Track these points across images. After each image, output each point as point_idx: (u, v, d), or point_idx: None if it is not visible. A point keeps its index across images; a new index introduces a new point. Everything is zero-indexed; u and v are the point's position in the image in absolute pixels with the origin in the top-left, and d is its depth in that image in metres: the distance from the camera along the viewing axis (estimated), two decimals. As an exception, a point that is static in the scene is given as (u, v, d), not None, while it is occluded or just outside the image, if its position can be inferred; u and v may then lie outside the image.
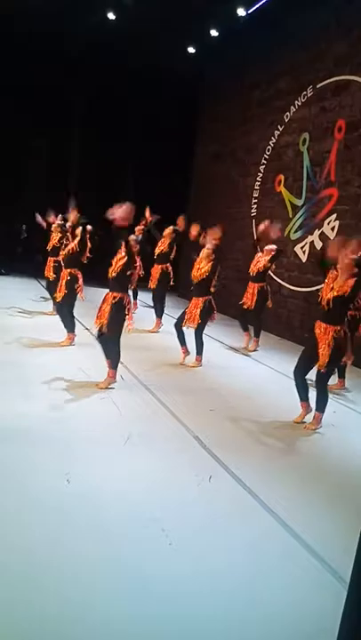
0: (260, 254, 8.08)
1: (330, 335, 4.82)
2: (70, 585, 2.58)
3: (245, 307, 7.99)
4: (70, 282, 6.97)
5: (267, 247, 8.07)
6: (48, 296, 9.37)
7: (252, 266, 8.04)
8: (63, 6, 10.95)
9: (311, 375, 5.08)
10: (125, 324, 5.52)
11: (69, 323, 7.07)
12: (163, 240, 8.86)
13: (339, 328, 4.85)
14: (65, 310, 7.08)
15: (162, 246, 8.82)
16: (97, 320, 5.58)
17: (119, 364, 5.65)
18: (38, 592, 2.50)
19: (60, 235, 8.73)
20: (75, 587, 2.57)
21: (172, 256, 8.85)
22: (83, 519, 3.10)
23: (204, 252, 6.89)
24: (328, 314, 4.85)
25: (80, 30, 11.64)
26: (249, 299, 7.96)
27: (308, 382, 5.17)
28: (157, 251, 8.80)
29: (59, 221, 8.92)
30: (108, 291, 5.62)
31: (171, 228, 8.84)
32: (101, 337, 5.64)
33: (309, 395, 5.15)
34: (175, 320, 7.06)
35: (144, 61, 12.23)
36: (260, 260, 7.99)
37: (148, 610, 2.48)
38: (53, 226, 9.03)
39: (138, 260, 5.71)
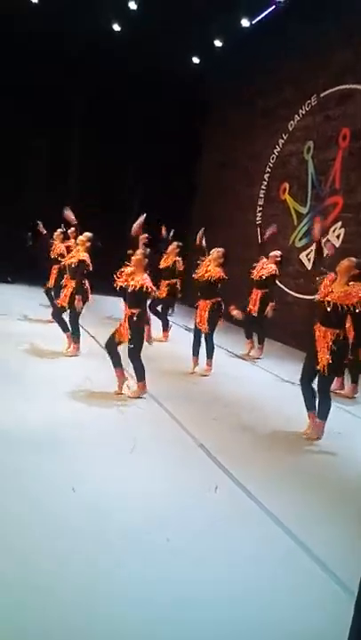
0: (264, 260, 8.15)
1: (329, 339, 4.78)
2: (73, 590, 2.60)
3: (249, 313, 8.06)
4: (77, 292, 7.01)
5: (271, 253, 8.16)
6: (48, 303, 9.45)
7: (255, 272, 8.10)
8: (63, 6, 10.89)
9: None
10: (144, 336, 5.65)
11: (76, 333, 7.12)
12: (167, 256, 8.94)
13: (338, 332, 4.81)
14: (72, 320, 7.13)
15: (167, 262, 8.90)
16: (117, 335, 5.67)
17: (125, 373, 5.74)
18: (40, 597, 2.53)
19: (61, 243, 8.88)
20: (77, 592, 2.59)
21: (177, 270, 8.97)
22: (87, 525, 3.14)
23: (213, 254, 6.95)
24: (327, 317, 4.80)
25: (80, 30, 11.59)
26: (253, 305, 8.04)
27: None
28: (163, 265, 8.88)
29: (60, 231, 9.04)
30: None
31: (175, 244, 8.92)
32: (110, 347, 5.71)
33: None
34: (194, 328, 7.11)
35: (145, 65, 12.21)
36: (265, 266, 8.06)
37: (151, 615, 2.49)
38: (55, 234, 9.10)
39: (146, 274, 5.75)
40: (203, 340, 7.04)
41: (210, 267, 6.90)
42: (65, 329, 7.18)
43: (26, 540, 2.93)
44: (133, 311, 5.57)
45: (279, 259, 8.08)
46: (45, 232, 9.53)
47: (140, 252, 5.83)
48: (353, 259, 4.90)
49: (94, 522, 3.19)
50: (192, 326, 7.38)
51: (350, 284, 4.82)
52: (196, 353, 7.02)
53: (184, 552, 3.02)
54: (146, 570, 2.81)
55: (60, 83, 12.60)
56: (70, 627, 2.39)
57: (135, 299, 5.62)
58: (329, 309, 4.75)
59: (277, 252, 8.14)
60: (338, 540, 3.36)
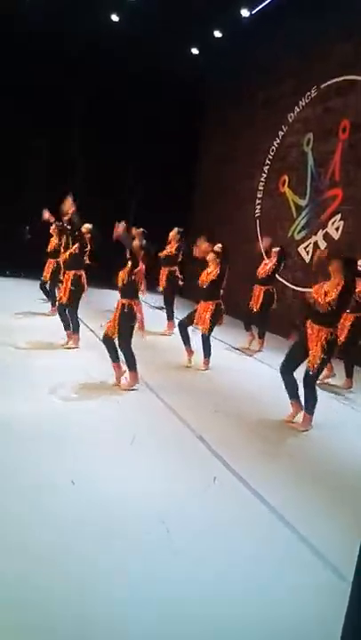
0: (266, 260, 8.14)
1: (322, 338, 4.81)
2: (73, 587, 2.59)
3: (251, 309, 8.01)
4: (74, 283, 6.96)
5: (273, 249, 8.15)
6: (44, 297, 9.38)
7: (259, 269, 8.07)
8: (63, 6, 10.93)
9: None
10: (135, 328, 5.65)
11: (75, 324, 7.06)
12: (170, 243, 8.85)
13: (331, 330, 4.87)
14: (70, 312, 7.06)
15: (169, 249, 8.80)
16: (109, 326, 5.67)
17: (123, 366, 5.72)
18: (40, 594, 2.51)
19: (59, 236, 8.79)
20: (77, 588, 2.58)
21: (179, 258, 8.85)
22: (87, 520, 3.12)
23: (210, 257, 6.89)
24: (321, 316, 4.83)
25: (80, 30, 11.61)
26: (255, 301, 7.97)
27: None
28: (164, 253, 8.78)
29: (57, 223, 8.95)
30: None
31: (175, 230, 8.81)
32: (107, 341, 5.72)
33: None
34: (179, 321, 7.06)
35: (145, 63, 12.24)
36: (268, 264, 8.05)
37: (151, 614, 2.48)
38: (52, 227, 9.04)
39: (142, 264, 5.75)
40: (193, 334, 6.98)
41: (210, 268, 6.83)
42: (67, 326, 7.11)
43: (25, 539, 2.90)
44: (124, 302, 5.61)
45: (281, 254, 8.04)
46: (51, 219, 9.30)
47: (136, 242, 5.79)
48: (340, 260, 4.90)
49: (94, 518, 3.16)
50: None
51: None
52: (187, 342, 6.94)
53: (184, 546, 2.99)
54: (146, 568, 2.78)
55: (60, 83, 12.63)
56: (70, 626, 2.38)
57: (127, 289, 5.65)
58: (323, 310, 4.80)
59: (278, 248, 8.12)
60: (339, 536, 3.31)
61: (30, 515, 3.12)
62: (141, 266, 5.74)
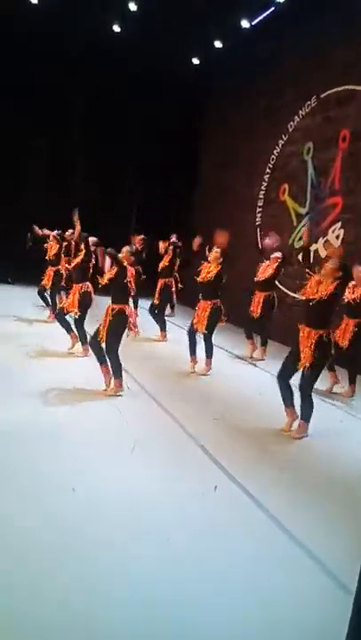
0: (266, 262, 8.16)
1: (313, 339, 4.82)
2: (73, 589, 2.62)
3: (252, 315, 8.07)
4: (83, 296, 7.05)
5: (273, 255, 8.17)
6: (42, 304, 9.49)
7: (258, 274, 8.12)
8: (63, 7, 10.89)
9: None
10: (125, 334, 5.66)
11: (82, 336, 7.15)
12: (165, 255, 8.95)
13: (322, 332, 4.85)
14: (77, 324, 7.17)
15: (164, 261, 8.92)
16: (99, 330, 5.70)
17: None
18: (40, 597, 2.54)
19: (58, 245, 8.93)
20: (77, 591, 2.61)
21: (175, 270, 8.98)
22: (87, 525, 3.15)
23: (212, 255, 6.95)
24: (312, 318, 4.86)
25: (80, 31, 11.58)
26: (255, 307, 8.04)
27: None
28: (161, 265, 8.90)
29: (55, 233, 9.09)
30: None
31: (167, 242, 8.92)
32: (94, 343, 5.76)
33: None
34: (188, 328, 7.11)
35: (145, 65, 12.22)
36: (267, 268, 8.07)
37: (151, 615, 2.51)
38: (51, 236, 9.14)
39: (131, 269, 5.80)
40: (199, 339, 7.02)
41: (211, 267, 6.90)
42: (68, 329, 7.21)
43: (25, 540, 2.94)
44: (114, 306, 5.63)
45: (281, 260, 8.07)
46: (41, 232, 9.57)
47: (125, 249, 5.86)
48: (336, 262, 4.92)
49: (94, 522, 3.20)
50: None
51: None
52: (193, 353, 7.01)
53: (184, 552, 3.03)
54: (146, 569, 2.82)
55: (60, 83, 12.61)
56: (70, 626, 2.40)
57: (117, 294, 5.67)
58: (314, 310, 4.83)
59: (278, 254, 8.15)
60: (338, 540, 3.37)
61: (31, 515, 3.16)
62: (131, 270, 5.78)
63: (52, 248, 9.12)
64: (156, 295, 8.91)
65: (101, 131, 13.30)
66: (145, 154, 13.55)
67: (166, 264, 8.95)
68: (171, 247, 8.99)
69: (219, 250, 6.93)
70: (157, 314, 8.89)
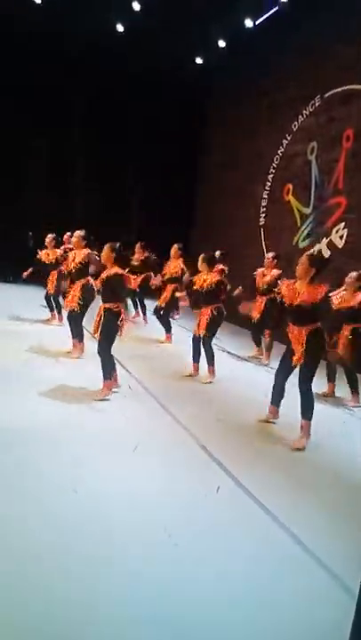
0: (262, 269, 8.07)
1: (303, 336, 4.81)
2: (75, 589, 2.61)
3: (255, 320, 7.99)
4: (84, 290, 6.98)
5: (268, 254, 8.17)
6: (46, 304, 9.46)
7: (258, 279, 8.04)
8: (63, 6, 10.89)
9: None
10: (118, 333, 5.51)
11: (79, 332, 7.08)
12: (172, 262, 8.80)
13: (311, 328, 4.83)
14: (75, 320, 7.06)
15: (172, 269, 8.80)
16: (94, 331, 5.62)
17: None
18: (42, 595, 2.53)
19: (57, 250, 8.93)
20: (80, 591, 2.60)
21: (182, 276, 8.89)
22: (88, 526, 3.13)
23: (202, 266, 6.79)
24: (299, 317, 4.85)
25: (80, 30, 11.58)
26: (257, 312, 7.95)
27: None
28: (168, 272, 8.75)
29: (51, 236, 9.08)
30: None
31: (176, 247, 8.76)
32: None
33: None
34: (193, 335, 7.00)
35: (145, 65, 12.23)
36: (266, 273, 7.97)
37: (151, 615, 2.51)
38: (47, 241, 9.10)
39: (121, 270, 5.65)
40: (202, 346, 6.93)
41: (204, 276, 6.74)
42: (74, 334, 7.16)
43: (26, 540, 2.93)
44: (107, 306, 5.50)
45: (275, 260, 8.02)
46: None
47: (107, 245, 5.66)
48: (305, 260, 4.90)
49: (95, 522, 3.19)
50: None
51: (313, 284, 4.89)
52: (196, 360, 6.90)
53: (186, 552, 3.02)
54: (146, 569, 2.82)
55: (60, 83, 12.61)
56: (70, 626, 2.40)
57: (108, 292, 5.57)
58: (298, 311, 4.83)
59: (270, 254, 8.13)
60: (339, 541, 3.37)
61: (31, 516, 3.15)
62: (120, 270, 5.59)
63: (48, 255, 9.06)
64: (162, 299, 8.82)
65: (101, 131, 13.30)
66: (145, 154, 13.56)
67: (173, 270, 8.81)
68: (177, 251, 8.82)
69: (210, 253, 6.87)
70: (162, 316, 8.86)
